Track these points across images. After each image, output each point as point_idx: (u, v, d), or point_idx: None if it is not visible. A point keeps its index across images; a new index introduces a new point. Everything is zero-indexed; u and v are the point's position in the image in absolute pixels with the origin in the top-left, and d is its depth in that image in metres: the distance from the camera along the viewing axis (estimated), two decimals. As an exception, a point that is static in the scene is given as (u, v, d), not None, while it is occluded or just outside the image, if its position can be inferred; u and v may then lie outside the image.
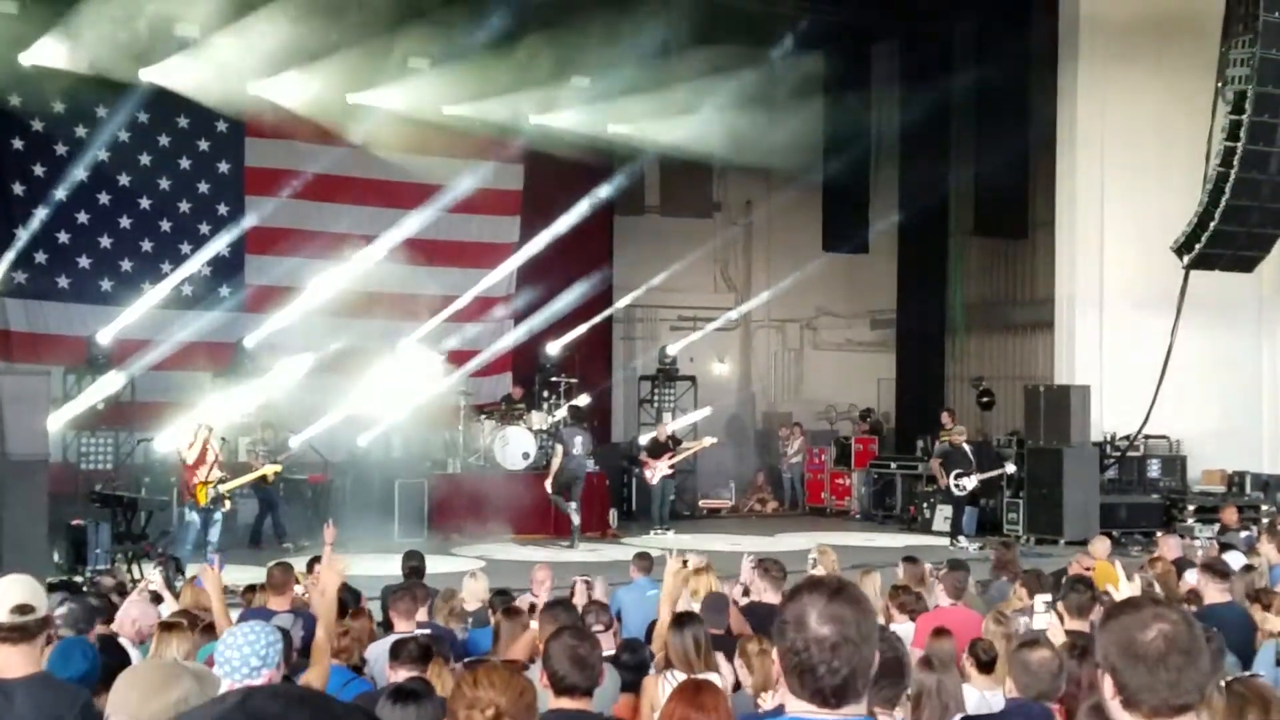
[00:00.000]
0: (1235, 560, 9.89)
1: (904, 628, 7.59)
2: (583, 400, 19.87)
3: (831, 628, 2.51)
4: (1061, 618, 6.97)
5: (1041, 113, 20.41)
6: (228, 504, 14.72)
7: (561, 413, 19.37)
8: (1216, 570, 8.27)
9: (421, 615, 7.79)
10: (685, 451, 19.75)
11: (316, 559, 9.87)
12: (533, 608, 7.69)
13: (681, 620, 6.25)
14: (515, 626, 7.14)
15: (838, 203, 23.83)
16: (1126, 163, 19.10)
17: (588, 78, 21.22)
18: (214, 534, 14.27)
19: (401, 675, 5.68)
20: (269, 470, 15.57)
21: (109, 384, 17.18)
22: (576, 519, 17.44)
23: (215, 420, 14.82)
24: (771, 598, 8.34)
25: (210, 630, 6.10)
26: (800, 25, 22.82)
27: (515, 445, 18.65)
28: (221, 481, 14.18)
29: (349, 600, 8.54)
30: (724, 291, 26.01)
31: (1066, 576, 8.89)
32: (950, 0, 21.41)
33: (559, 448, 17.75)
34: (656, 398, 22.08)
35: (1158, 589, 8.77)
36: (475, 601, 8.79)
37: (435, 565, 11.21)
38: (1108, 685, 2.63)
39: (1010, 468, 18.35)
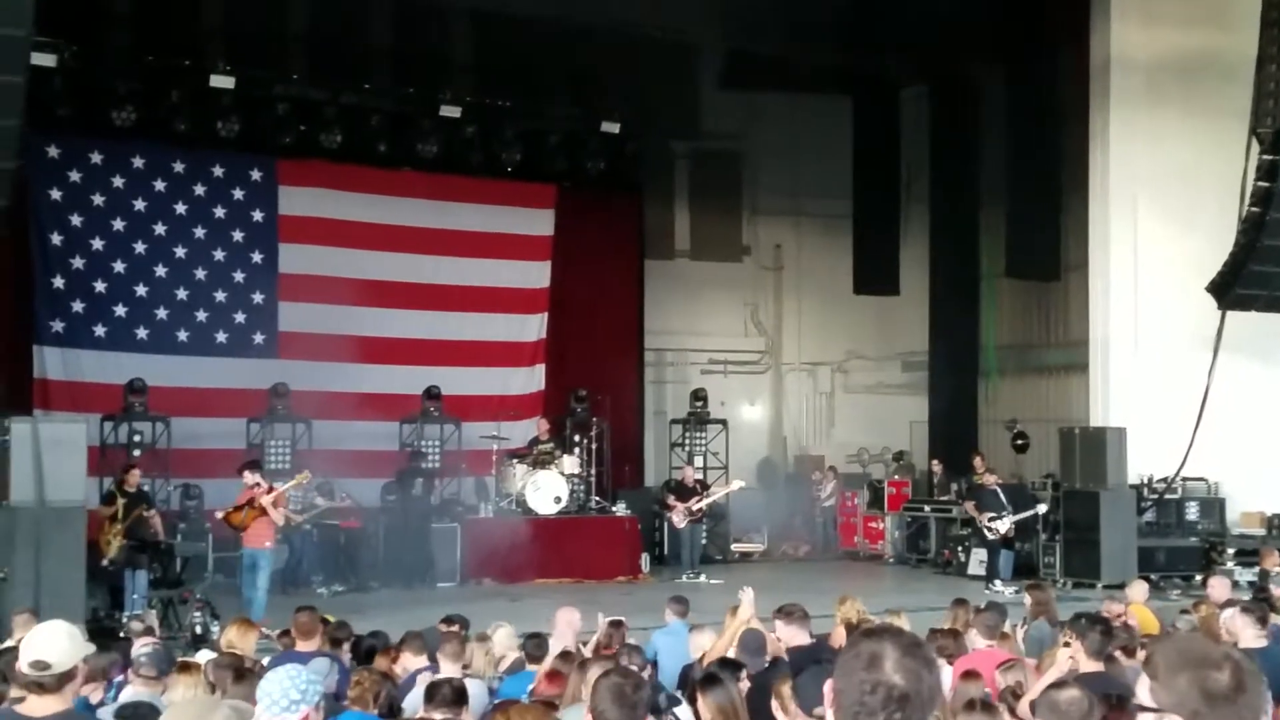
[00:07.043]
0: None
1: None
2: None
3: (905, 678, 2.41)
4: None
5: (1072, 155, 20.39)
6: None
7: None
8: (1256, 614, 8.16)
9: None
10: (713, 495, 19.65)
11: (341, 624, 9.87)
12: (567, 654, 7.63)
13: (716, 678, 6.11)
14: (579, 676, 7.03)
15: (868, 245, 23.84)
16: (1158, 204, 19.02)
17: (618, 124, 21.36)
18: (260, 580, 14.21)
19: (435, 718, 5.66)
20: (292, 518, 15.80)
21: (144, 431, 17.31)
22: None
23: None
24: (803, 639, 8.29)
25: (242, 677, 6.09)
26: (829, 70, 22.98)
27: (547, 490, 18.67)
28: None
29: (377, 645, 8.57)
30: (754, 335, 26.00)
31: (1085, 617, 8.80)
32: (978, 46, 21.44)
33: None
34: (687, 441, 22.02)
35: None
36: (504, 650, 8.76)
37: (467, 610, 11.12)
38: None
39: (1042, 508, 18.18)
